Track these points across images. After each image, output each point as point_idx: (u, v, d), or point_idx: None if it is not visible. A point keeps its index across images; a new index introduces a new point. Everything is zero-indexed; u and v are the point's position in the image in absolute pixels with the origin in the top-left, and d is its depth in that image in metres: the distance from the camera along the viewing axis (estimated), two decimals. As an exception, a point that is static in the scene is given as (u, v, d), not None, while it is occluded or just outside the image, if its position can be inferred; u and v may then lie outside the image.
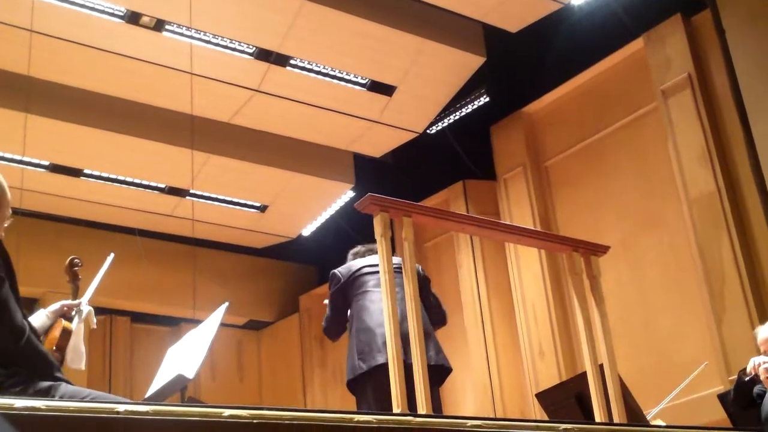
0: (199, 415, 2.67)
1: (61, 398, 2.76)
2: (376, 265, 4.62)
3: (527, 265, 10.35)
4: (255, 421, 2.71)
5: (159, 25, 8.95)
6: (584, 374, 4.59)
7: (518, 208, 10.58)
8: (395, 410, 3.65)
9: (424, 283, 4.86)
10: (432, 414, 3.72)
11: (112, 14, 8.77)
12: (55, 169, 10.58)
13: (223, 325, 4.68)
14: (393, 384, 3.72)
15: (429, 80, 10.05)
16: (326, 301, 5.09)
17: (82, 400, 2.73)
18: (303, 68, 9.72)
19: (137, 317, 13.09)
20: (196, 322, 5.17)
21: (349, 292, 4.96)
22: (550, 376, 9.47)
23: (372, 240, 4.16)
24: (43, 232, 11.51)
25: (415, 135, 10.92)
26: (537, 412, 8.36)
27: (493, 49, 9.91)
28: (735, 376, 5.76)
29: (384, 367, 4.28)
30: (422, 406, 3.68)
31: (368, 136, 10.86)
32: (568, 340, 9.87)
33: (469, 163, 11.40)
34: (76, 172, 10.76)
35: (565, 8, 9.34)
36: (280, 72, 9.67)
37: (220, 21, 9.03)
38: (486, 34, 9.87)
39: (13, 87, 8.96)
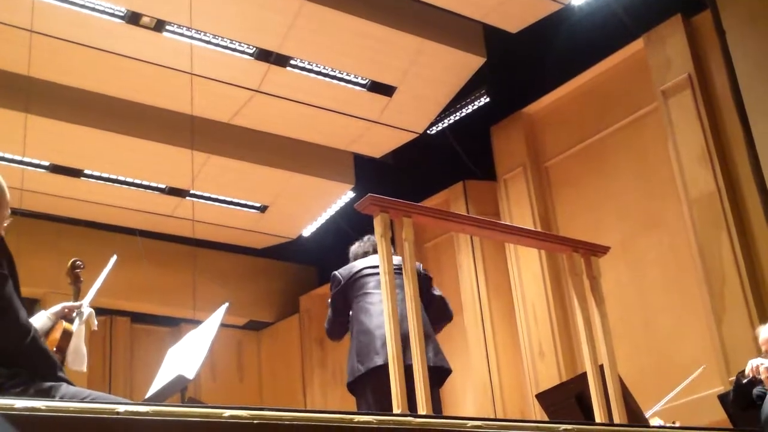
0: (199, 415, 2.67)
1: (62, 399, 2.76)
2: (377, 266, 4.63)
3: (527, 266, 10.35)
4: (255, 421, 2.71)
5: (159, 26, 8.95)
6: (584, 375, 4.58)
7: (518, 209, 10.59)
8: (395, 411, 3.65)
9: (424, 283, 4.85)
10: (432, 414, 3.72)
11: (112, 14, 8.77)
12: (55, 169, 10.58)
13: (223, 325, 4.67)
14: (393, 384, 3.72)
15: (429, 80, 10.05)
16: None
17: (82, 400, 2.73)
18: (303, 69, 9.72)
19: (137, 318, 13.09)
20: (196, 322, 5.16)
21: (349, 293, 4.96)
22: (550, 377, 9.47)
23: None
24: (43, 233, 11.51)
25: (415, 135, 10.92)
26: (537, 412, 8.36)
27: (493, 50, 9.91)
28: (734, 377, 5.76)
29: (382, 368, 4.34)
30: (422, 406, 3.68)
31: (368, 136, 10.86)
32: (568, 341, 9.87)
33: (470, 163, 11.41)
34: (76, 173, 10.76)
35: (565, 9, 9.34)
36: (280, 72, 9.67)
37: (220, 21, 9.03)
38: (486, 35, 9.87)
39: (14, 87, 8.96)
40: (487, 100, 10.68)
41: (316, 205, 11.98)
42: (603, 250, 4.74)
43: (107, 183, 10.98)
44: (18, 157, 9.73)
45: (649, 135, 9.64)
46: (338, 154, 11.29)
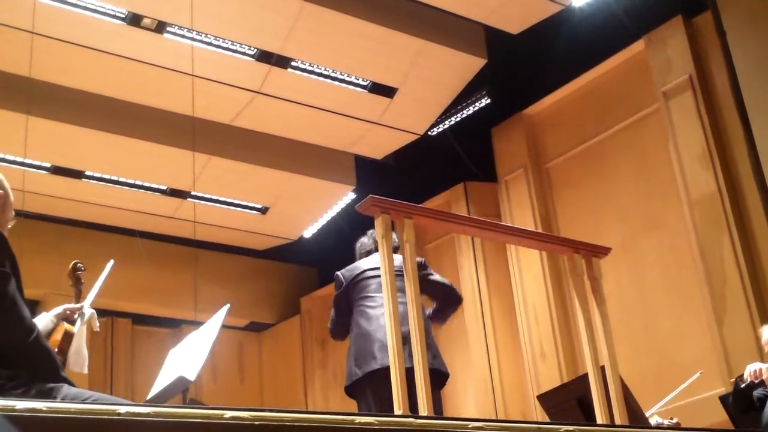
0: (200, 416, 2.67)
1: (63, 400, 2.77)
2: (378, 268, 4.64)
3: (528, 267, 10.35)
4: (257, 422, 2.71)
5: (160, 27, 8.96)
6: (585, 376, 4.58)
7: (519, 210, 10.59)
8: (397, 412, 3.65)
9: (421, 274, 4.82)
10: (433, 416, 3.72)
11: (114, 16, 8.78)
12: (57, 170, 10.59)
13: (224, 326, 4.67)
14: (394, 386, 3.72)
15: (430, 82, 10.05)
16: None
17: (83, 401, 2.73)
18: (304, 70, 9.72)
19: (138, 319, 13.10)
20: (198, 323, 5.16)
21: (351, 295, 5.00)
22: (551, 378, 9.47)
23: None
24: (45, 234, 11.51)
25: (416, 137, 10.93)
26: (538, 413, 8.36)
27: (494, 51, 9.92)
28: (734, 379, 5.77)
29: (378, 372, 4.45)
30: (423, 407, 3.68)
31: (369, 137, 10.86)
32: (569, 342, 9.87)
33: (470, 164, 11.41)
34: (77, 174, 10.76)
35: (566, 10, 9.34)
36: (282, 74, 9.67)
37: (221, 23, 9.04)
38: (487, 36, 9.88)
39: (15, 89, 8.97)
40: (488, 101, 10.68)
41: (317, 206, 11.98)
42: (604, 251, 4.74)
43: (108, 184, 10.98)
44: (19, 159, 9.74)
45: (650, 136, 9.64)
46: (339, 155, 11.30)
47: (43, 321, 3.80)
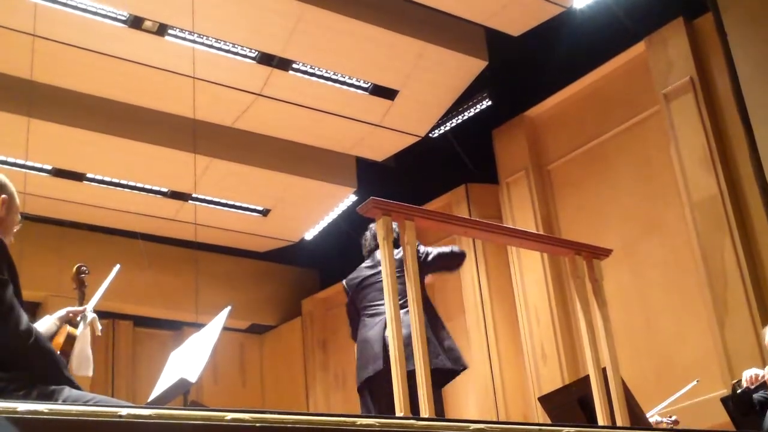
0: (201, 418, 2.67)
1: (64, 402, 2.77)
2: (377, 272, 4.72)
3: (530, 269, 10.35)
4: (258, 424, 2.71)
5: (161, 30, 8.96)
6: (587, 378, 4.59)
7: (520, 212, 10.59)
8: (398, 414, 3.65)
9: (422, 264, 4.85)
10: (435, 417, 3.72)
11: (115, 19, 8.79)
12: (58, 173, 10.60)
13: (225, 328, 4.68)
14: (395, 388, 3.72)
15: (431, 84, 10.05)
16: None
17: (85, 403, 2.73)
18: (305, 72, 9.73)
19: (140, 321, 13.10)
20: (199, 326, 5.17)
21: (357, 303, 5.17)
22: (552, 380, 9.46)
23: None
24: (46, 237, 11.51)
25: (417, 139, 10.93)
26: (540, 415, 8.36)
27: (495, 53, 9.92)
28: (735, 381, 5.78)
29: (373, 379, 4.67)
30: (425, 409, 3.68)
31: (370, 139, 10.87)
32: (570, 344, 9.86)
33: (472, 166, 11.41)
34: (78, 177, 10.77)
35: (566, 12, 9.34)
36: (283, 76, 9.68)
37: (223, 25, 9.04)
38: (488, 38, 9.88)
39: (16, 91, 8.98)
40: (489, 103, 10.68)
41: (319, 208, 11.98)
42: (605, 253, 4.74)
43: (109, 187, 10.99)
44: (20, 161, 9.74)
45: (651, 138, 9.64)
46: (340, 157, 11.30)
47: (45, 324, 3.81)
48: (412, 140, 10.95)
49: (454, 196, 11.32)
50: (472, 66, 9.94)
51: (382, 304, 4.77)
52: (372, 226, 5.11)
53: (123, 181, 11.00)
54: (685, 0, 9.40)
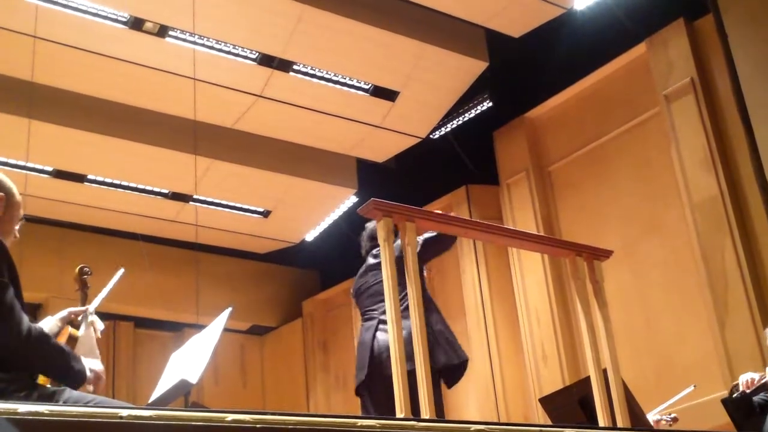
0: (202, 419, 2.67)
1: (65, 403, 2.77)
2: (377, 276, 4.76)
3: (530, 270, 10.35)
4: (258, 425, 2.71)
5: (162, 31, 8.97)
6: (587, 378, 4.58)
7: (521, 213, 10.59)
8: (399, 415, 3.65)
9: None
10: (435, 418, 3.72)
11: (116, 20, 8.79)
12: (59, 174, 10.60)
13: (226, 330, 4.68)
14: (396, 389, 3.72)
15: (432, 85, 10.06)
16: None
17: (85, 404, 2.74)
18: (306, 73, 9.73)
19: (141, 322, 13.11)
20: (200, 327, 5.17)
21: (360, 307, 5.21)
22: (553, 381, 9.46)
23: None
24: (47, 238, 11.52)
25: (418, 140, 10.93)
26: (540, 416, 8.35)
27: (495, 54, 9.92)
28: (733, 384, 5.79)
29: (366, 382, 4.73)
30: (425, 410, 3.68)
31: (371, 141, 10.87)
32: (571, 345, 9.86)
33: (472, 167, 11.41)
34: (79, 178, 10.78)
35: (567, 13, 9.34)
36: (283, 77, 9.68)
37: (223, 27, 9.05)
38: (489, 39, 9.88)
39: (17, 92, 8.99)
40: (490, 104, 10.69)
41: (319, 209, 11.98)
42: (606, 254, 4.73)
43: (110, 188, 11.00)
44: (21, 163, 9.74)
45: (652, 139, 9.64)
46: (341, 158, 11.31)
47: (47, 325, 3.81)
48: (412, 141, 10.95)
49: (454, 197, 11.32)
50: (473, 67, 9.94)
51: (374, 310, 4.85)
52: (368, 226, 5.11)
53: (124, 183, 11.01)
54: (685, 1, 9.40)
